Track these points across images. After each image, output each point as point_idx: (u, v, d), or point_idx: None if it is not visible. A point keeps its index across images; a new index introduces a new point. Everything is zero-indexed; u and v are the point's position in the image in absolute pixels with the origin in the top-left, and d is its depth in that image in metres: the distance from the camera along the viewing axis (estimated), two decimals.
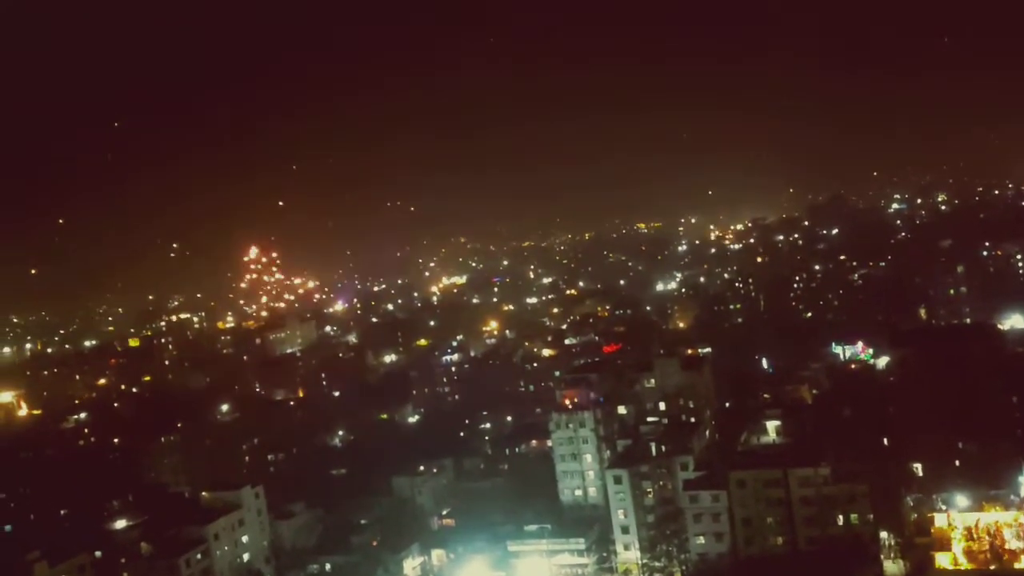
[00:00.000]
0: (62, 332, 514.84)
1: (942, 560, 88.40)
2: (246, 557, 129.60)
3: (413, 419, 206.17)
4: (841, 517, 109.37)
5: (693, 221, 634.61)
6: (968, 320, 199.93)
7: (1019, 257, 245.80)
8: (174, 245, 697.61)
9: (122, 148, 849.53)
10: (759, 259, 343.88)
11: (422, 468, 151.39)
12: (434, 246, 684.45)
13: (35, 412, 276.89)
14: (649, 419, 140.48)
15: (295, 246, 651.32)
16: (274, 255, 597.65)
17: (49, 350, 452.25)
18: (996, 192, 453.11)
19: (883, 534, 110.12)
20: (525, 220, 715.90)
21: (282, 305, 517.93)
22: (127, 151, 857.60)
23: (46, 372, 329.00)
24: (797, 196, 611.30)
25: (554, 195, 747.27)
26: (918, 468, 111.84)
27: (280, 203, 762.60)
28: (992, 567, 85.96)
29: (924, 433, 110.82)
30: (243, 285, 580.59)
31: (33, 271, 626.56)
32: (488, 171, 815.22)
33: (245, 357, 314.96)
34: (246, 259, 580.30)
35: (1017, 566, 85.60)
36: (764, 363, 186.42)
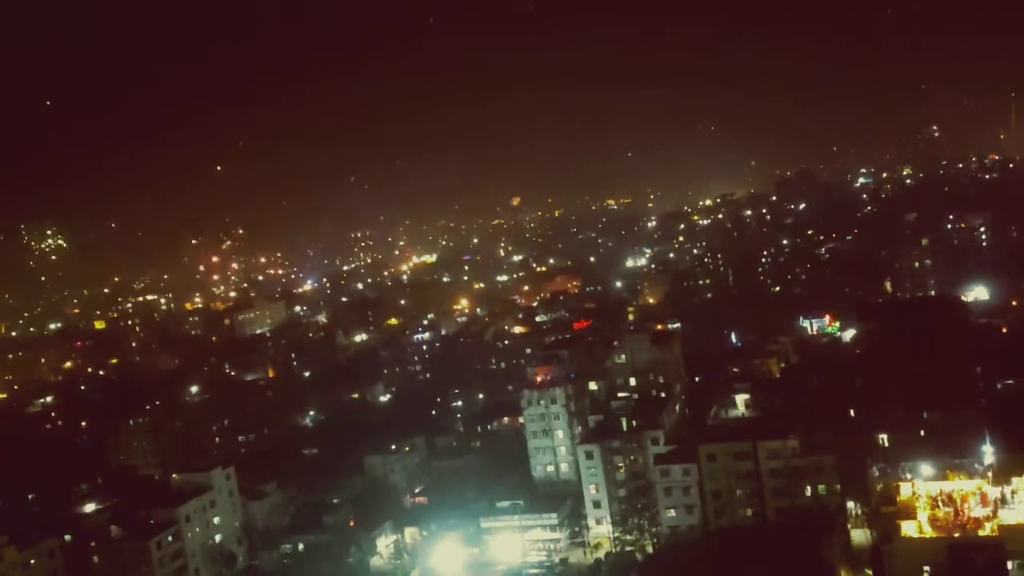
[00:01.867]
0: (26, 315, 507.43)
1: (908, 528, 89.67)
2: (218, 538, 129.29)
3: (385, 398, 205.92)
4: (809, 488, 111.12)
5: (659, 195, 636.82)
6: (933, 292, 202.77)
7: (982, 230, 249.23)
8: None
9: (85, 132, 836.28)
10: (728, 234, 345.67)
11: (394, 447, 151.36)
12: (394, 225, 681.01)
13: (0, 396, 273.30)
14: (620, 395, 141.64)
15: (258, 227, 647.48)
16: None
17: (13, 333, 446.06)
18: (960, 165, 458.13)
19: (850, 504, 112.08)
20: (483, 198, 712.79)
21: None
22: (90, 135, 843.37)
23: (10, 356, 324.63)
24: (760, 170, 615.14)
25: (515, 172, 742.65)
26: (884, 439, 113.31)
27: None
28: (956, 535, 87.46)
29: (890, 404, 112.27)
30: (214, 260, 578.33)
31: None
32: (445, 150, 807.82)
33: (214, 338, 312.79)
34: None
35: (981, 533, 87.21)
36: (733, 337, 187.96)
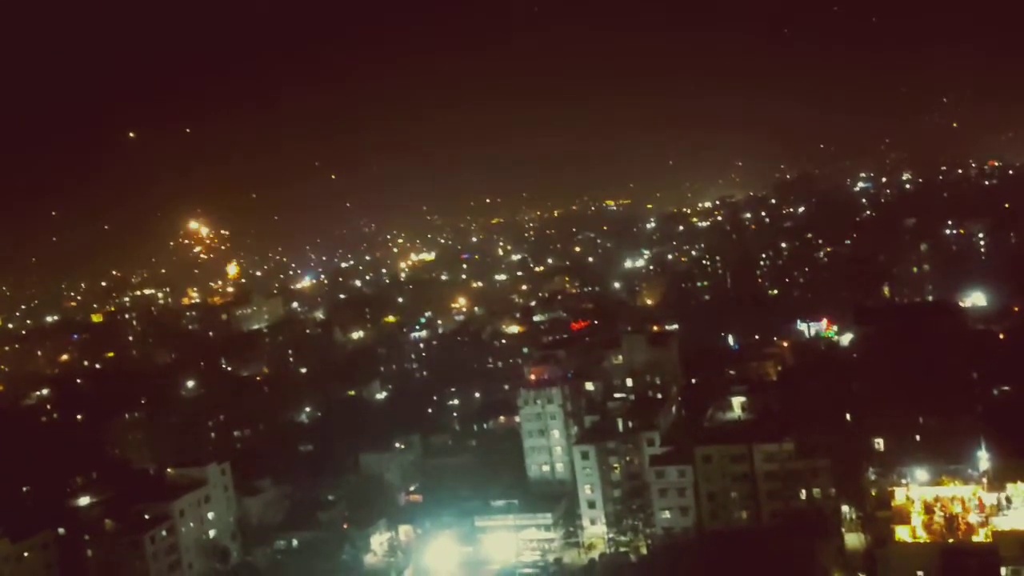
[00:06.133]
0: (23, 307, 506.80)
1: (902, 533, 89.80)
2: (212, 533, 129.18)
3: (381, 395, 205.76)
4: (804, 491, 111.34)
5: (659, 196, 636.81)
6: (930, 298, 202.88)
7: (980, 236, 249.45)
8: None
9: (82, 125, 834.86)
10: (726, 237, 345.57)
11: (390, 444, 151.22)
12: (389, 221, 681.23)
13: None
14: (616, 395, 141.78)
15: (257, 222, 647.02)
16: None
17: (10, 325, 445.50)
18: (960, 171, 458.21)
19: (845, 508, 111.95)
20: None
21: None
22: (87, 128, 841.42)
23: (7, 348, 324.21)
24: (757, 172, 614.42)
25: (509, 174, 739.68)
26: (880, 443, 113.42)
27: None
28: (950, 540, 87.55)
29: (886, 408, 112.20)
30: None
31: None
32: (441, 149, 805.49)
33: (211, 333, 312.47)
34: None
35: (975, 539, 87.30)
36: (730, 340, 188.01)
